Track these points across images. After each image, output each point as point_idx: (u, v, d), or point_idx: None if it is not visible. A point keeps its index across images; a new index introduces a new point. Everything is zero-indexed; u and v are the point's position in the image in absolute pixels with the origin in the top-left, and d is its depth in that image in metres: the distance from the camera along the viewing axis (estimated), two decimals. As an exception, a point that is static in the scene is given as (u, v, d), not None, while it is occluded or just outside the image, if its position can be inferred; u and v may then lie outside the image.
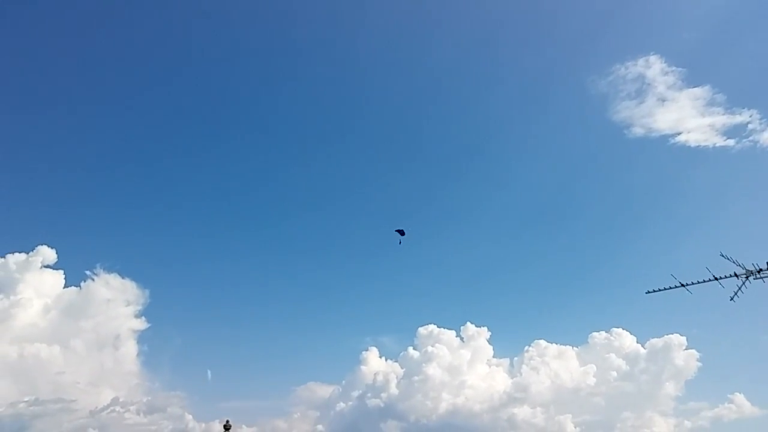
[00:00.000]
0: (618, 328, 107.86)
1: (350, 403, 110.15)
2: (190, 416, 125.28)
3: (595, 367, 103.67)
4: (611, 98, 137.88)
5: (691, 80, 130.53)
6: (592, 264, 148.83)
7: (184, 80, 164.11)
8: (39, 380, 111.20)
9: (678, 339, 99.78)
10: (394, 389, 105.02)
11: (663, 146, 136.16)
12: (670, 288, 11.81)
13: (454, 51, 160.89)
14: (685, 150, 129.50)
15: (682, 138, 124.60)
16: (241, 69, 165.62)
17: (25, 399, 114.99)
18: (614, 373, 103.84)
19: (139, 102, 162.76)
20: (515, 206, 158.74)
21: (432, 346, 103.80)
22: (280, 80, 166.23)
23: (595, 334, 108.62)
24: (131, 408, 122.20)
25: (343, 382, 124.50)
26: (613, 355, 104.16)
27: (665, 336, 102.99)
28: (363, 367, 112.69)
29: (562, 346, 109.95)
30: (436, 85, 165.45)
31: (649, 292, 13.36)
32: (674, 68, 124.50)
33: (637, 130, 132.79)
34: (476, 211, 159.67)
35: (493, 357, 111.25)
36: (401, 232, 34.87)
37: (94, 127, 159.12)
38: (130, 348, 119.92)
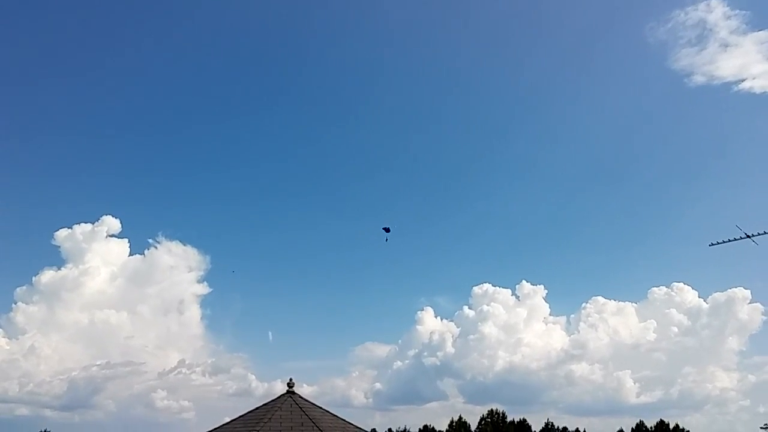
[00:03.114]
0: (679, 282, 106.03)
1: (407, 362, 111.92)
2: (253, 376, 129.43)
3: (655, 323, 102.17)
4: (671, 46, 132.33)
5: (755, 23, 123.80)
6: (652, 217, 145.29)
7: (243, 49, 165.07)
8: (109, 345, 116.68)
9: (742, 293, 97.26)
10: (449, 348, 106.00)
11: (726, 94, 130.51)
12: (735, 240, 11.70)
13: None
14: (750, 97, 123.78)
15: (746, 85, 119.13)
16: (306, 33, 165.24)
17: (97, 363, 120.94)
18: (675, 329, 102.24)
19: (196, 71, 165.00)
20: (572, 160, 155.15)
21: (487, 305, 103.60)
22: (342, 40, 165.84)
23: (654, 289, 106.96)
24: (197, 369, 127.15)
25: (400, 341, 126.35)
26: (673, 311, 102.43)
27: (729, 290, 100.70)
28: (418, 327, 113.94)
29: (620, 302, 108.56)
30: (488, 38, 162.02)
31: (712, 244, 13.27)
32: (737, 11, 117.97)
33: (699, 78, 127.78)
34: (531, 166, 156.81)
35: (550, 315, 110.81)
36: (387, 230, 35.33)
37: (154, 96, 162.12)
38: (193, 312, 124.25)
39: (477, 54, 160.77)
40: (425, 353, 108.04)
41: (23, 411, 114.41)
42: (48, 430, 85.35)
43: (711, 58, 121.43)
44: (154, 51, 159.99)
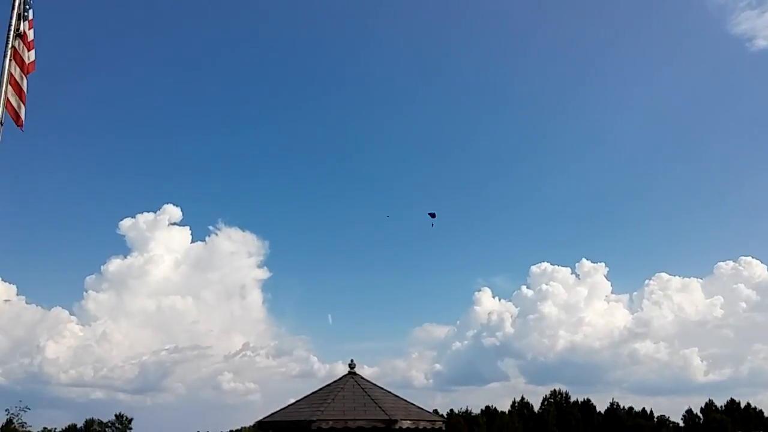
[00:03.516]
0: (747, 256, 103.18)
1: (465, 342, 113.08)
2: (315, 358, 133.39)
3: (722, 299, 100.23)
4: (730, 9, 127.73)
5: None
6: (717, 189, 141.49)
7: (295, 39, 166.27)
8: (176, 329, 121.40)
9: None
10: (509, 328, 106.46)
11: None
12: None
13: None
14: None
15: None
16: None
17: (166, 347, 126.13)
18: (743, 305, 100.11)
19: (251, 66, 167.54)
20: (631, 133, 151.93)
21: (546, 284, 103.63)
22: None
23: (721, 264, 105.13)
24: (261, 352, 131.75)
25: (458, 322, 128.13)
26: (741, 286, 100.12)
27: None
28: (476, 308, 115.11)
29: (685, 278, 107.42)
30: (540, 7, 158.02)
31: (784, 215, 12.64)
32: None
33: (761, 42, 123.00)
34: (590, 140, 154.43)
35: (612, 293, 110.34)
36: (432, 215, 35.58)
37: (209, 91, 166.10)
38: (255, 296, 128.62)
39: (530, 26, 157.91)
40: (484, 333, 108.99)
41: (98, 395, 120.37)
42: (122, 412, 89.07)
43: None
44: (210, 47, 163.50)
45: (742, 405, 74.09)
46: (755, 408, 73.48)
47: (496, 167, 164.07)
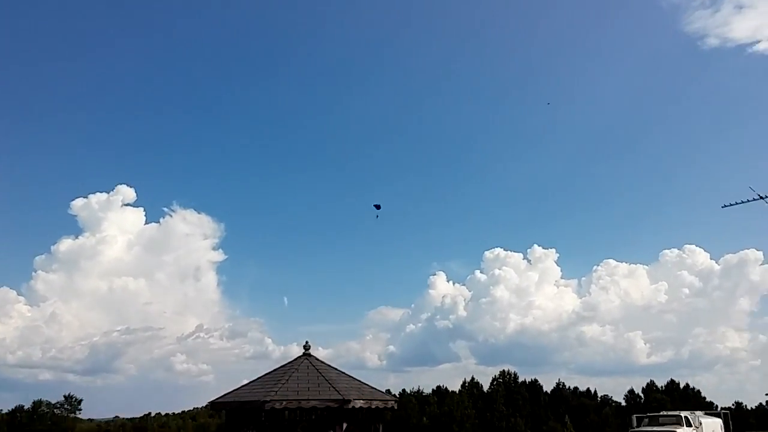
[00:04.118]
0: (691, 245, 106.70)
1: (419, 325, 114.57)
2: (270, 340, 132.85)
3: (666, 285, 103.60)
4: (684, 8, 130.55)
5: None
6: (664, 180, 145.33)
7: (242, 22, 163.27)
8: (129, 311, 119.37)
9: (754, 254, 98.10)
10: (462, 311, 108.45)
11: (740, 56, 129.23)
12: (748, 201, 11.62)
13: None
14: (764, 59, 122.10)
15: (761, 47, 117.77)
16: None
17: (118, 328, 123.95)
18: (686, 290, 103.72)
19: (208, 42, 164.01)
20: (583, 124, 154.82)
21: (499, 269, 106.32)
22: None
23: (666, 251, 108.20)
24: (215, 333, 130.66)
25: (413, 305, 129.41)
26: (685, 272, 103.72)
27: (741, 251, 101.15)
28: (431, 291, 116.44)
29: (632, 264, 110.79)
30: (496, 1, 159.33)
31: (725, 206, 13.19)
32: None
33: (712, 41, 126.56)
34: (543, 130, 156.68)
35: (561, 278, 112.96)
36: (377, 207, 35.86)
37: (166, 69, 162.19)
38: (210, 278, 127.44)
39: (487, 19, 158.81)
40: (438, 316, 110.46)
41: (47, 376, 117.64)
42: (72, 393, 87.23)
43: (725, 20, 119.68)
44: (165, 26, 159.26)
45: (681, 385, 76.66)
46: (693, 388, 76.38)
47: (452, 155, 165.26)
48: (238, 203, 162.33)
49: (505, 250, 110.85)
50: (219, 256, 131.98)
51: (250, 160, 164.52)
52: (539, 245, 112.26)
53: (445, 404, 74.32)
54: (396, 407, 17.29)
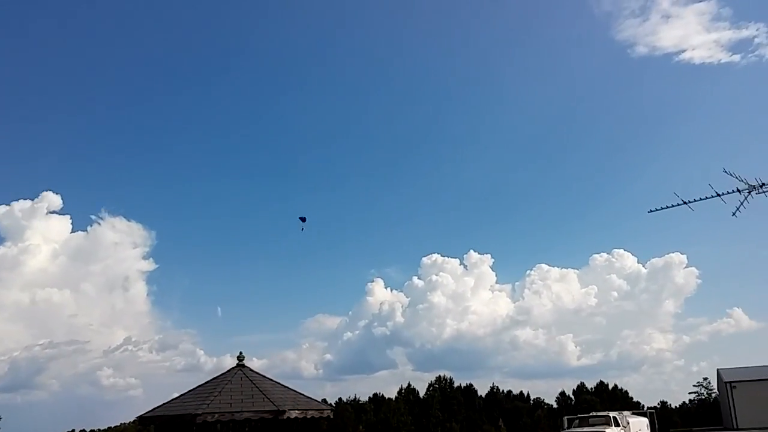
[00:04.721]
0: (619, 249, 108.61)
1: (357, 332, 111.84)
2: (202, 351, 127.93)
3: (596, 288, 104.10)
4: (615, 16, 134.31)
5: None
6: (594, 186, 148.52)
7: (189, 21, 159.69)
8: (52, 324, 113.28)
9: (678, 257, 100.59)
10: (399, 317, 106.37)
11: (667, 64, 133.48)
12: (673, 206, 12.07)
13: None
14: (690, 67, 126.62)
15: (686, 55, 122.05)
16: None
17: (40, 342, 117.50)
18: (615, 294, 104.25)
19: (133, 42, 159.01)
20: (515, 131, 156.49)
21: (436, 275, 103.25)
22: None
23: (596, 256, 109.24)
24: (144, 346, 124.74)
25: (350, 313, 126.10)
26: (614, 276, 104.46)
27: (666, 255, 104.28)
28: (369, 298, 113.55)
29: (563, 269, 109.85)
30: (431, 10, 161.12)
31: (651, 211, 13.75)
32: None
33: (641, 49, 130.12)
34: (475, 138, 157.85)
35: (496, 283, 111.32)
36: (302, 219, 35.59)
37: (93, 69, 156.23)
38: (139, 289, 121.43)
39: (421, 26, 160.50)
40: (375, 323, 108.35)
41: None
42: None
43: (653, 28, 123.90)
44: (81, 18, 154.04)
45: (610, 386, 78.15)
46: (621, 389, 78.00)
47: (386, 161, 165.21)
48: (171, 210, 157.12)
49: (442, 255, 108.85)
50: (149, 265, 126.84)
51: (182, 165, 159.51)
52: (475, 251, 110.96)
53: (382, 412, 74.19)
54: (332, 416, 17.17)
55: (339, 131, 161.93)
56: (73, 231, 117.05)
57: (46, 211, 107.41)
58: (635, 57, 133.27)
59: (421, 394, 78.78)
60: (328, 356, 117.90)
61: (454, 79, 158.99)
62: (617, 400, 71.36)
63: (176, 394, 16.83)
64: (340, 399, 77.81)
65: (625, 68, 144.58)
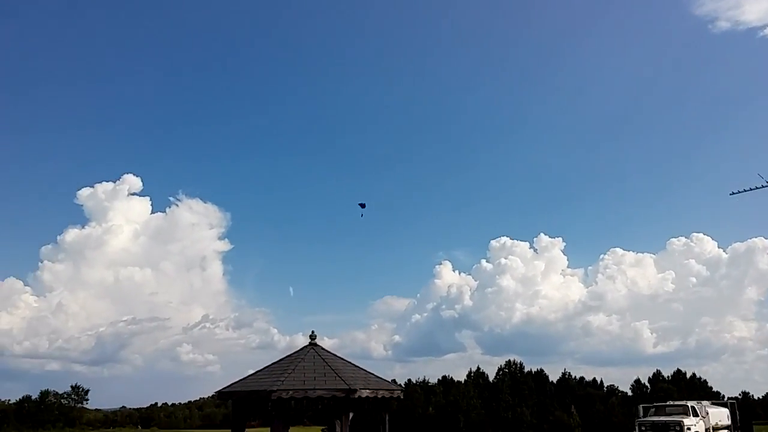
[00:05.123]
0: (699, 233, 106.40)
1: (425, 314, 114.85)
2: (275, 330, 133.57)
3: (673, 274, 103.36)
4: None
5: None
6: (672, 167, 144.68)
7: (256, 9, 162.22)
8: (134, 301, 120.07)
9: (762, 242, 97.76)
10: (467, 301, 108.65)
11: (751, 40, 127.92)
12: (756, 188, 11.49)
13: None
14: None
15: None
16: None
17: (124, 318, 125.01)
18: (693, 279, 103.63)
19: (208, 31, 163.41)
20: (591, 111, 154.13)
21: (505, 258, 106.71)
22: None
23: (674, 240, 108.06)
24: (221, 324, 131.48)
25: (418, 295, 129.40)
26: (692, 261, 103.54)
27: (749, 240, 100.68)
28: (437, 281, 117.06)
29: (639, 253, 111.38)
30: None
31: (733, 193, 13.12)
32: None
33: (723, 24, 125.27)
34: (550, 118, 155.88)
35: (568, 267, 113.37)
36: (362, 206, 35.85)
37: (168, 56, 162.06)
38: (216, 268, 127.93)
39: (490, 4, 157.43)
40: (443, 306, 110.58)
41: (54, 366, 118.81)
42: (78, 383, 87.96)
43: (736, 2, 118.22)
44: (171, 19, 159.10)
45: (688, 375, 76.68)
46: (700, 378, 76.45)
47: (458, 143, 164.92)
48: (245, 193, 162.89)
49: (511, 239, 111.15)
50: (225, 245, 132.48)
51: (258, 148, 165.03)
52: (546, 234, 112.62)
53: (451, 394, 74.50)
54: (402, 397, 17.32)
55: (409, 113, 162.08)
56: (152, 212, 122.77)
57: (127, 192, 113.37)
58: (716, 32, 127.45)
59: (491, 378, 78.98)
60: (397, 338, 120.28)
61: (525, 58, 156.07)
62: (695, 389, 69.54)
63: (252, 371, 17.36)
64: (409, 380, 78.98)
65: (706, 44, 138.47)
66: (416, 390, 74.82)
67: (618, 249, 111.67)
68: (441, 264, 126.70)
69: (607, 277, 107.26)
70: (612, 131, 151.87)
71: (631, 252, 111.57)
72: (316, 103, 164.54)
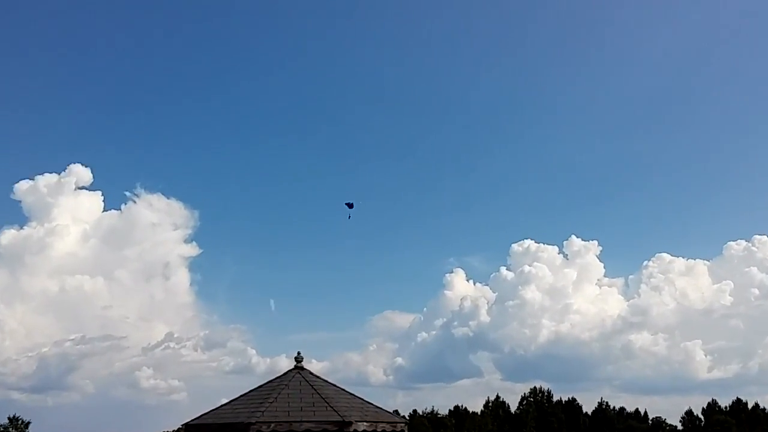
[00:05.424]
0: (762, 235, 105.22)
1: (433, 332, 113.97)
2: (254, 351, 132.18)
3: (731, 284, 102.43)
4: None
5: None
6: (729, 158, 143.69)
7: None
8: (84, 316, 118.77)
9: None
10: (484, 316, 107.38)
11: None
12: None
13: None
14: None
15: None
16: None
17: (71, 337, 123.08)
18: (755, 291, 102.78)
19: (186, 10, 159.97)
20: (632, 90, 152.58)
21: (530, 266, 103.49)
22: None
23: (732, 243, 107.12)
24: (187, 343, 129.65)
25: (425, 309, 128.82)
26: (754, 269, 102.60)
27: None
28: (447, 292, 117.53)
29: (690, 259, 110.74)
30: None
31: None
32: None
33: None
34: (582, 98, 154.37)
35: (605, 276, 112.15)
36: (349, 206, 35.85)
37: (127, 25, 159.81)
38: (181, 277, 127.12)
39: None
40: (455, 323, 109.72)
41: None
42: (17, 415, 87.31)
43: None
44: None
45: (749, 405, 76.49)
46: (764, 409, 76.36)
47: (476, 125, 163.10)
48: (216, 187, 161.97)
49: (536, 242, 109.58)
50: (192, 250, 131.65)
51: (233, 134, 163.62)
52: (578, 236, 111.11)
53: (465, 427, 74.39)
54: (406, 430, 17.29)
55: (409, 87, 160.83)
56: (105, 209, 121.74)
57: (74, 186, 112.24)
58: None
59: (513, 408, 78.97)
60: (400, 360, 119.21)
61: (549, 21, 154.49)
62: (758, 422, 69.57)
63: (226, 400, 17.42)
64: (414, 411, 79.03)
65: (763, 17, 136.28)
66: (423, 423, 74.85)
67: (665, 254, 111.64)
68: (452, 272, 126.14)
69: (652, 287, 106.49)
70: (658, 114, 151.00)
71: (680, 258, 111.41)
72: (303, 79, 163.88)
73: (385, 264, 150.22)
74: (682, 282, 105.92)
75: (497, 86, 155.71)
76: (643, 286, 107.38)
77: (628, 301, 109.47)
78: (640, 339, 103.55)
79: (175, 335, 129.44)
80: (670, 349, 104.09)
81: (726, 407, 77.09)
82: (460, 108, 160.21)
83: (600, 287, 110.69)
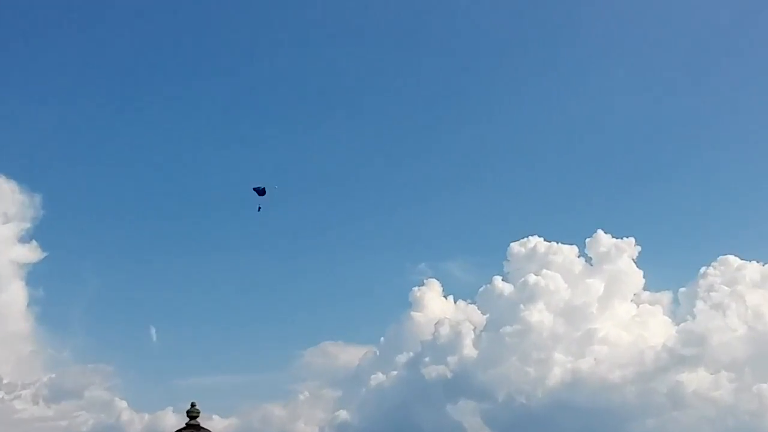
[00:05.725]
0: None
1: (394, 373, 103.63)
2: (124, 402, 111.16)
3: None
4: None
5: None
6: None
7: None
8: None
9: None
10: (469, 348, 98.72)
11: None
12: None
13: None
14: None
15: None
16: None
17: None
18: None
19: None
20: (679, 27, 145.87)
21: (536, 274, 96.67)
22: None
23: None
24: (23, 392, 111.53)
25: (382, 339, 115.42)
26: None
27: None
28: (415, 314, 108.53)
29: (766, 265, 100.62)
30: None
31: None
32: None
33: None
34: (609, 37, 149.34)
35: (645, 289, 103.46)
36: (260, 192, 33.08)
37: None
38: (15, 293, 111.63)
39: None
40: (426, 359, 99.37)
41: None
42: None
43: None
44: None
45: None
46: None
47: (454, 83, 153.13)
48: (68, 164, 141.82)
49: (546, 240, 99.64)
50: (32, 252, 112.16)
51: (90, 88, 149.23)
52: (607, 232, 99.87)
53: None
54: None
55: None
56: None
57: None
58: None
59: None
60: (344, 414, 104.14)
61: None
62: None
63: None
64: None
65: None
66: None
67: (731, 257, 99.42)
68: (423, 285, 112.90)
69: (713, 305, 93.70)
70: (699, 70, 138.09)
71: (753, 262, 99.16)
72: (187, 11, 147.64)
73: (324, 275, 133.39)
74: (757, 297, 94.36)
75: (484, 20, 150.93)
76: (699, 302, 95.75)
77: (677, 325, 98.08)
78: (695, 379, 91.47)
79: (5, 381, 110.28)
80: (736, 392, 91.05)
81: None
82: (434, 51, 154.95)
83: (638, 305, 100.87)
